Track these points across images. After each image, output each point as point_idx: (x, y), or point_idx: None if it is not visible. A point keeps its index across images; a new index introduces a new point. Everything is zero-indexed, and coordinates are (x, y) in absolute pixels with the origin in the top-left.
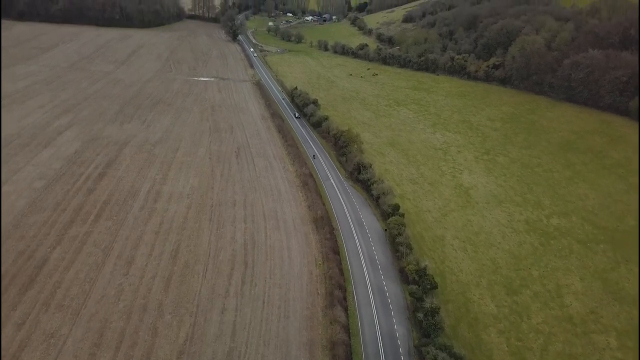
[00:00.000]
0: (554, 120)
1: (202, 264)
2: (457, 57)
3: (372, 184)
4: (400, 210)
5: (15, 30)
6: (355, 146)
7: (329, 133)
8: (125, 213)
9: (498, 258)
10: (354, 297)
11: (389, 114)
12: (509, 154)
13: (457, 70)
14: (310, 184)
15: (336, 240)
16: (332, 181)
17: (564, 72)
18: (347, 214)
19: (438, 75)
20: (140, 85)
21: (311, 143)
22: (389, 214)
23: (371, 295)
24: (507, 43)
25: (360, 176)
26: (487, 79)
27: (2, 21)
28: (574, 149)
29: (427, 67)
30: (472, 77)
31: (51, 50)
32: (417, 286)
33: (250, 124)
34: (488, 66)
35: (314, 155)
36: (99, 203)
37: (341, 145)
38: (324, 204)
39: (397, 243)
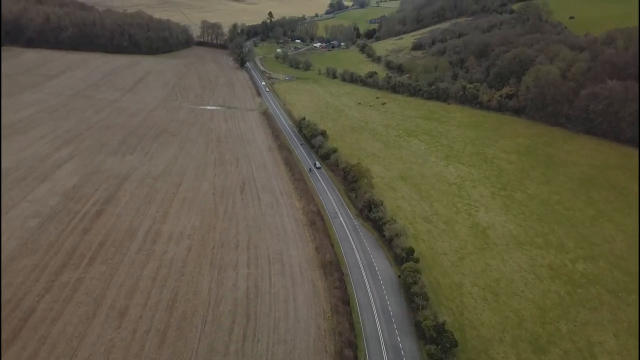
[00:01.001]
0: (573, 154)
1: (201, 315)
2: (468, 86)
3: (384, 224)
4: (415, 254)
5: (24, 57)
6: (365, 181)
7: (337, 166)
8: (121, 256)
9: (522, 309)
10: (366, 357)
11: (399, 145)
12: (526, 190)
13: (469, 100)
14: (318, 222)
15: (346, 289)
16: (342, 219)
17: (581, 104)
18: (358, 257)
19: (449, 104)
20: (145, 114)
21: (319, 176)
22: (402, 258)
23: (385, 356)
24: (520, 72)
25: (371, 214)
26: (500, 108)
27: (12, 48)
28: (595, 185)
29: (438, 95)
30: (485, 106)
31: (58, 77)
32: (435, 345)
33: (257, 155)
34: (501, 96)
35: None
36: (94, 244)
37: (350, 180)
38: (332, 246)
39: (412, 293)
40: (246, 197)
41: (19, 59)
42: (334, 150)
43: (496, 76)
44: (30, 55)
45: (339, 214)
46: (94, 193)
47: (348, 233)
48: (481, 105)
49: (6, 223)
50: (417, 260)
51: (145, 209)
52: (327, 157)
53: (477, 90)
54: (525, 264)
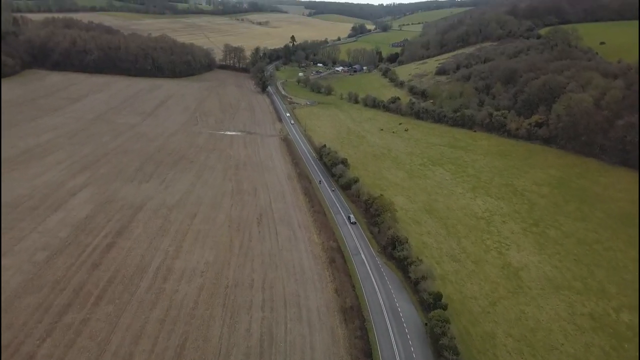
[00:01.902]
0: (609, 188)
1: None
2: (495, 113)
3: (410, 265)
4: (443, 300)
5: (49, 80)
6: (389, 214)
7: (359, 197)
8: (129, 295)
9: None
10: None
11: (424, 175)
12: (561, 227)
13: (496, 127)
14: (338, 260)
15: (368, 338)
16: (363, 256)
17: (617, 134)
18: (381, 301)
19: (475, 131)
20: (164, 140)
21: (339, 208)
22: (429, 304)
23: None
24: (550, 100)
25: (395, 253)
26: (530, 137)
27: (38, 71)
28: (636, 223)
29: (464, 123)
30: (513, 135)
31: (80, 100)
32: None
33: (275, 184)
34: (530, 124)
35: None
36: (102, 281)
37: (373, 213)
38: (353, 287)
39: (440, 346)
40: (263, 230)
41: (44, 81)
42: (355, 180)
43: (524, 103)
44: (55, 78)
45: (360, 250)
46: (106, 224)
47: (370, 272)
48: (509, 134)
49: (14, 257)
50: (445, 307)
51: (158, 243)
52: (348, 187)
53: (505, 117)
54: (563, 312)
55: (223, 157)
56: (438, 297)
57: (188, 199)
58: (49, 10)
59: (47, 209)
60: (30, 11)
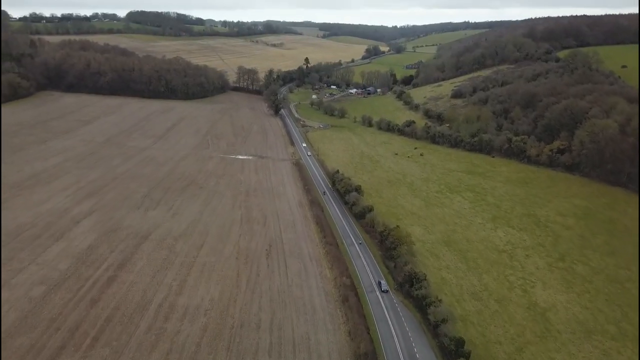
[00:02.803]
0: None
1: None
2: (515, 138)
3: (429, 305)
4: (465, 347)
5: (62, 102)
6: (405, 248)
7: (373, 227)
8: (128, 336)
9: None
10: None
11: (441, 203)
12: (589, 262)
13: (516, 153)
14: (351, 299)
15: None
16: (378, 294)
17: None
18: (398, 347)
19: (494, 157)
20: (174, 164)
21: (353, 239)
22: (451, 350)
23: None
24: (572, 125)
25: (413, 291)
26: (551, 164)
27: (52, 93)
28: None
29: (481, 148)
30: (533, 161)
31: (92, 123)
32: None
33: (286, 212)
34: (552, 150)
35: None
36: (100, 320)
37: (389, 246)
38: (368, 330)
39: None
40: (272, 264)
41: (58, 103)
42: (370, 209)
43: (545, 129)
44: (68, 100)
45: (375, 287)
46: (109, 255)
47: (386, 313)
48: (529, 160)
49: (10, 291)
50: (467, 356)
51: (161, 277)
52: (362, 216)
53: (525, 143)
54: None
55: (233, 183)
56: (460, 343)
57: (195, 228)
58: (67, 33)
59: (49, 238)
60: (49, 33)
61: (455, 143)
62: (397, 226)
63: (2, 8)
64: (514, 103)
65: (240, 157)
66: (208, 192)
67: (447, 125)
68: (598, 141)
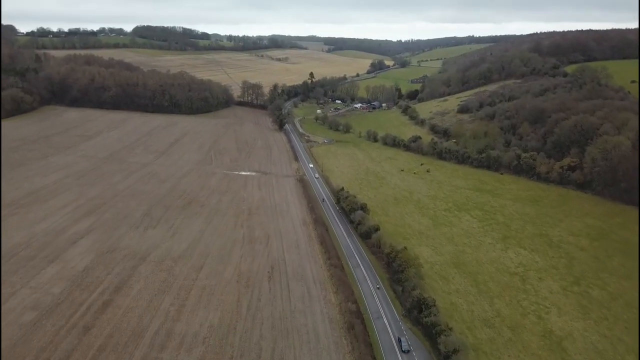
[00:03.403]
0: None
1: None
2: (523, 155)
3: (439, 334)
4: None
5: (65, 116)
6: (413, 271)
7: (379, 247)
8: None
9: None
10: None
11: (449, 222)
12: (606, 286)
13: (525, 170)
14: (357, 326)
15: None
16: (386, 320)
17: None
18: None
19: (502, 174)
20: (175, 181)
21: (358, 260)
22: None
23: None
24: (582, 142)
25: (422, 318)
26: (562, 182)
27: (56, 107)
28: None
29: (489, 164)
30: (543, 178)
31: (94, 138)
32: None
33: (290, 231)
34: (562, 167)
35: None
36: (92, 349)
37: (396, 269)
38: None
39: None
40: (274, 287)
41: (61, 118)
42: (376, 229)
43: (555, 145)
44: (72, 115)
45: (382, 312)
46: (104, 278)
47: (394, 342)
48: (539, 177)
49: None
50: None
51: (158, 301)
52: (367, 236)
53: (534, 159)
54: None
55: (235, 200)
56: None
57: (195, 248)
58: (74, 47)
59: (44, 260)
60: (55, 48)
61: (462, 159)
62: (405, 248)
63: (10, 23)
64: (522, 118)
65: (243, 173)
66: (210, 210)
67: (454, 141)
68: (610, 158)
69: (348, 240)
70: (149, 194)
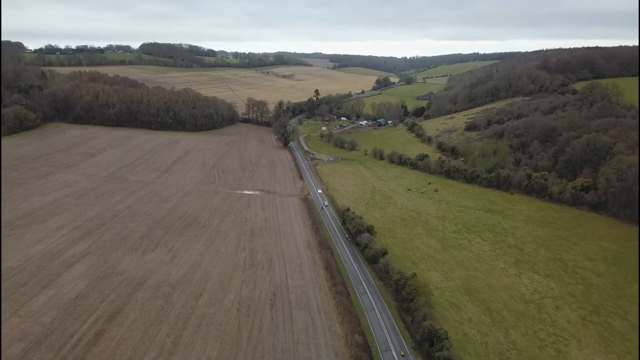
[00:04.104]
0: None
1: None
2: (534, 174)
3: None
4: None
5: (68, 134)
6: (423, 299)
7: (387, 273)
8: None
9: None
10: None
11: (459, 245)
12: (627, 316)
13: (536, 190)
14: None
15: None
16: (394, 353)
17: None
18: None
19: (512, 194)
20: (177, 200)
21: (365, 286)
22: None
23: None
24: (595, 161)
25: (433, 351)
26: (575, 202)
27: (60, 125)
28: None
29: (499, 184)
30: (556, 199)
31: (96, 156)
32: None
33: (293, 255)
34: (575, 187)
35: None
36: None
37: (405, 297)
38: None
39: None
40: (276, 316)
41: (64, 135)
42: (383, 253)
43: (566, 164)
44: (75, 132)
45: (390, 345)
46: (98, 306)
47: None
48: (551, 198)
49: None
50: None
51: (154, 332)
52: (375, 260)
53: (545, 179)
54: None
55: (238, 221)
56: None
57: (195, 273)
58: (80, 64)
59: (36, 286)
60: (62, 65)
61: (471, 178)
62: (414, 274)
63: (19, 40)
64: (531, 137)
65: (246, 192)
66: (211, 232)
67: (462, 159)
68: (625, 179)
69: (354, 265)
70: (149, 215)
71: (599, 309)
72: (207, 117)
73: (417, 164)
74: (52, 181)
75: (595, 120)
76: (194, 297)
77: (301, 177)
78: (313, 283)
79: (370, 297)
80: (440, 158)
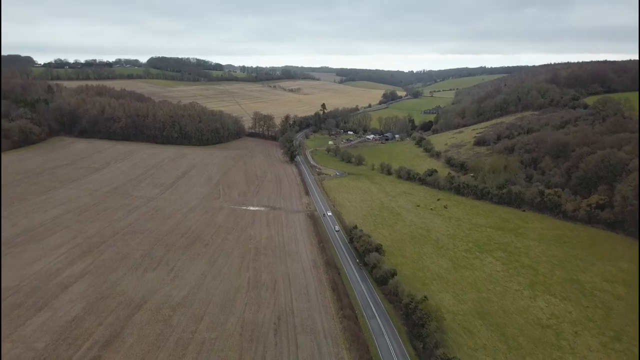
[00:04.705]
0: None
1: None
2: (547, 191)
3: None
4: None
5: (73, 148)
6: (435, 324)
7: (397, 295)
8: None
9: None
10: None
11: (470, 265)
12: None
13: (549, 208)
14: None
15: None
16: None
17: None
18: None
19: (524, 211)
20: (180, 217)
21: (374, 309)
22: None
23: None
24: (610, 178)
25: None
26: (590, 221)
27: (64, 139)
28: None
29: (510, 200)
30: (570, 217)
31: (100, 170)
32: None
33: (299, 275)
34: (590, 205)
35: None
36: None
37: (416, 322)
38: None
39: None
40: (280, 342)
41: (69, 149)
42: (393, 274)
43: (580, 181)
44: (80, 146)
45: None
46: (95, 330)
47: None
48: (565, 215)
49: None
50: None
51: (151, 358)
52: (384, 281)
53: (559, 196)
54: None
55: (242, 239)
56: None
57: (196, 294)
58: (88, 78)
59: (31, 308)
60: (70, 79)
61: (481, 195)
62: (425, 297)
63: (28, 54)
64: (543, 152)
65: (251, 208)
66: (214, 250)
67: (472, 174)
68: None
69: (362, 286)
70: (151, 232)
71: (620, 335)
72: (213, 131)
73: (426, 180)
74: (54, 196)
75: (609, 136)
76: (195, 320)
77: (307, 193)
78: (319, 306)
79: (379, 322)
80: (449, 173)
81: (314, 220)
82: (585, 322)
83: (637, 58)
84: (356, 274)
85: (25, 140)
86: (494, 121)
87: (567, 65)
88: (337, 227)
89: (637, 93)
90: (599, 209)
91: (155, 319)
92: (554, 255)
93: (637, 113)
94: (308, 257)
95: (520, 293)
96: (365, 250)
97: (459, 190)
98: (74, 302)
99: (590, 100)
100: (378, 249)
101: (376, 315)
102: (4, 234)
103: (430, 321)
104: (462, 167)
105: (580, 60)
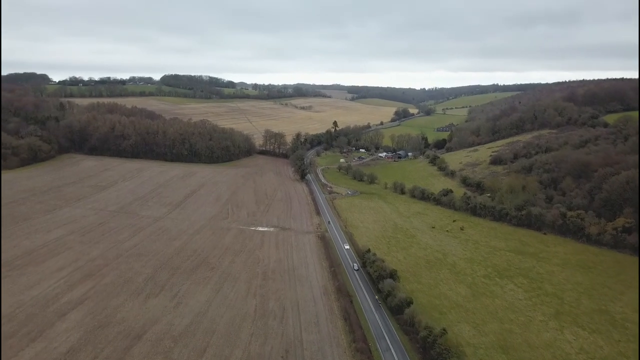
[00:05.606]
0: None
1: None
2: (569, 213)
3: None
4: None
5: (82, 165)
6: None
7: (413, 326)
8: None
9: None
10: None
11: (490, 292)
12: None
13: (572, 231)
14: None
15: None
16: None
17: None
18: None
19: (545, 234)
20: (187, 238)
21: (389, 341)
22: None
23: None
24: (636, 200)
25: None
26: (616, 245)
27: (74, 156)
28: None
29: (530, 223)
30: (594, 241)
31: (108, 189)
32: None
33: (309, 303)
34: (615, 228)
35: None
36: None
37: (434, 357)
38: None
39: None
40: None
41: (77, 167)
42: (409, 302)
43: (604, 203)
44: (89, 164)
45: None
46: None
47: None
48: (589, 239)
49: None
50: None
51: None
52: (399, 310)
53: (582, 219)
54: None
55: (250, 262)
56: None
57: (200, 324)
58: (100, 96)
59: (24, 338)
60: (83, 96)
61: (499, 216)
62: (444, 330)
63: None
64: (563, 172)
65: (260, 228)
66: (220, 275)
67: (489, 195)
68: None
69: (376, 315)
70: (155, 254)
71: None
72: (224, 149)
73: (441, 200)
74: (59, 216)
75: (632, 156)
76: (197, 353)
77: (318, 212)
78: (330, 337)
79: (395, 355)
80: (465, 193)
81: (325, 242)
82: (619, 358)
83: None
84: (369, 301)
85: (34, 158)
86: (509, 139)
87: (583, 82)
88: (347, 246)
89: None
90: (625, 232)
91: (155, 351)
92: (579, 283)
93: None
94: (319, 283)
95: (545, 324)
96: (379, 277)
97: (475, 211)
98: (70, 331)
99: (609, 118)
100: (392, 274)
101: (391, 347)
102: (4, 255)
103: (450, 358)
104: (479, 187)
105: (595, 78)
